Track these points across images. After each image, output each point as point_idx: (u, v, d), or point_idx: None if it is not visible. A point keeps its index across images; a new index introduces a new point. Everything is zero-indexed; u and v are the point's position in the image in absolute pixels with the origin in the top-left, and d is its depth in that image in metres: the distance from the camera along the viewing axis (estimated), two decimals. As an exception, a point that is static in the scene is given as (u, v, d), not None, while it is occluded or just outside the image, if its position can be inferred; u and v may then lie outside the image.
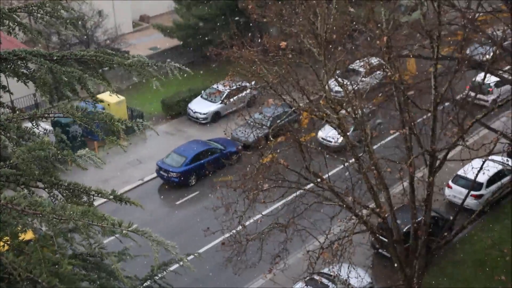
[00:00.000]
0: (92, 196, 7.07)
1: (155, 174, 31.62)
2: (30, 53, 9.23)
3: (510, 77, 22.99)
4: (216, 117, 36.75)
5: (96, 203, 7.61)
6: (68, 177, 7.95)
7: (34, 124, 8.76)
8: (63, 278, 5.02)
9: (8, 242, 5.51)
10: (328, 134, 32.68)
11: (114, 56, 8.93)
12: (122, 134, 8.93)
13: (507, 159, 25.08)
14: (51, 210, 5.10)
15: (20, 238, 5.50)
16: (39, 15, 10.17)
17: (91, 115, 8.61)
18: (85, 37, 38.19)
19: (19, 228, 5.42)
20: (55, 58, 9.23)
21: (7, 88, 10.24)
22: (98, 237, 5.56)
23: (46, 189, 6.97)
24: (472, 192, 25.20)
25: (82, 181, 7.88)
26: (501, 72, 22.61)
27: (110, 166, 30.78)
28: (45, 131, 8.94)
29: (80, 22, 35.70)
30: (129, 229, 5.61)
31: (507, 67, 22.78)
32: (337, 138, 31.52)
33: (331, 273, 19.56)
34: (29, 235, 6.00)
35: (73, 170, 9.08)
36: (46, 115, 8.77)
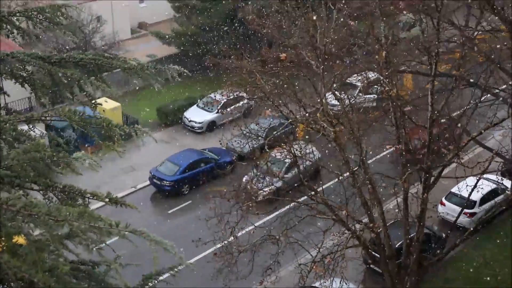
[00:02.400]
0: (87, 199, 6.97)
1: (148, 182, 31.45)
2: (29, 55, 9.18)
3: (506, 96, 23.04)
4: (211, 126, 36.65)
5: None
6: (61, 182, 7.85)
7: (30, 127, 8.68)
8: (59, 279, 4.92)
9: (3, 243, 5.42)
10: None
11: (113, 60, 8.89)
12: (118, 140, 8.86)
13: (501, 178, 25.08)
14: (47, 211, 5.02)
15: (14, 240, 5.41)
16: (38, 20, 10.12)
17: (88, 119, 8.54)
18: (82, 43, 38.07)
19: (13, 230, 5.33)
20: (53, 60, 9.17)
21: (3, 90, 10.18)
22: (94, 239, 5.46)
23: (41, 191, 6.88)
24: (465, 210, 25.16)
25: (75, 186, 7.80)
26: (497, 91, 22.68)
27: (103, 172, 30.53)
28: (41, 134, 8.87)
29: (78, 28, 35.70)
30: (126, 229, 5.53)
31: (504, 86, 22.86)
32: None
33: (323, 287, 19.43)
34: (21, 240, 5.90)
35: (66, 176, 8.97)
36: (43, 118, 8.70)
